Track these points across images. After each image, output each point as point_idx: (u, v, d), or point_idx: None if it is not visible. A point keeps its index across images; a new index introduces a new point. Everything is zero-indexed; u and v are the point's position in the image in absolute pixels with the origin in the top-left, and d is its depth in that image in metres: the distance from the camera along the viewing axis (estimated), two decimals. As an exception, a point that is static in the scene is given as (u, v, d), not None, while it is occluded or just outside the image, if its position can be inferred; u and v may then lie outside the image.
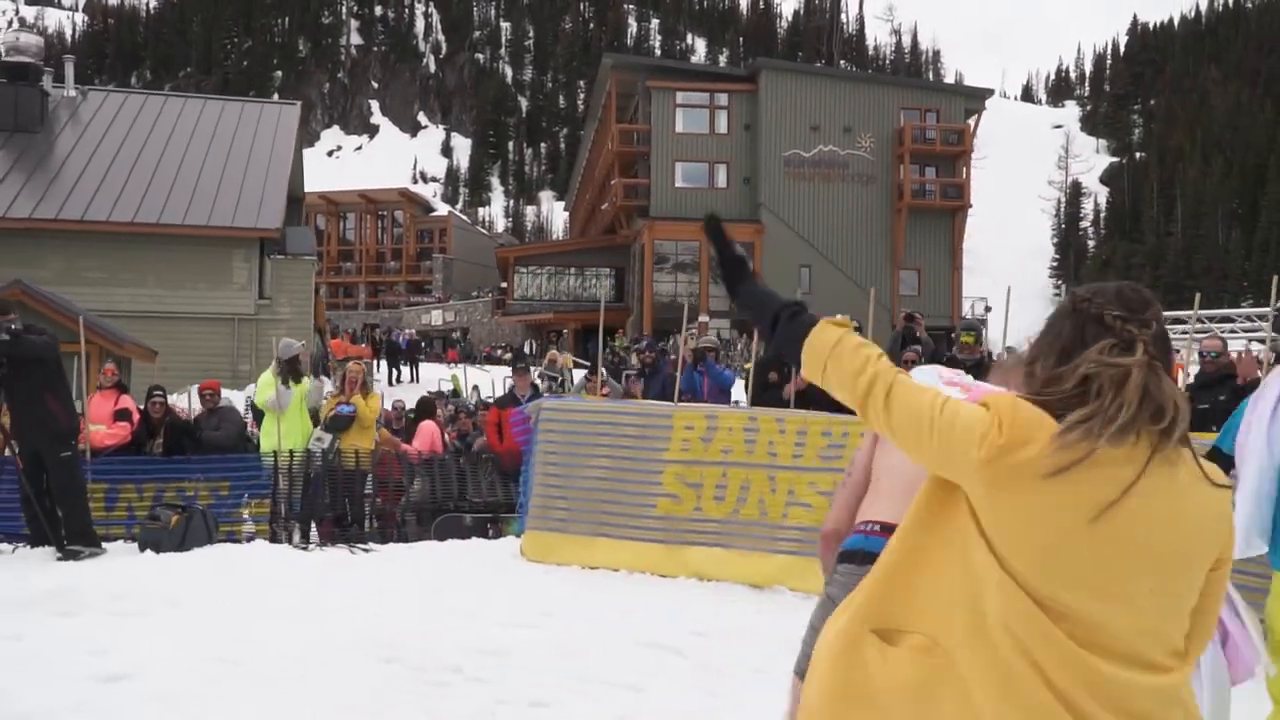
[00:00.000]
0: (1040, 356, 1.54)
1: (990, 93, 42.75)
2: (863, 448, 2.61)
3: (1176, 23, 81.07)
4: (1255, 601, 2.90)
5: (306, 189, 33.45)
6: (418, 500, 8.52)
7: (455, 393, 21.82)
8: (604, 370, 9.12)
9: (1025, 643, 1.41)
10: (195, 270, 22.37)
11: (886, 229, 38.04)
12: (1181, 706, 1.45)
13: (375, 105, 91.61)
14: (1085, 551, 1.41)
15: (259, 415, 9.20)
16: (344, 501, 8.31)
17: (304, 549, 7.42)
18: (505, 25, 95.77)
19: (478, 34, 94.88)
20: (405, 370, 29.50)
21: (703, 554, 6.23)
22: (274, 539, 7.67)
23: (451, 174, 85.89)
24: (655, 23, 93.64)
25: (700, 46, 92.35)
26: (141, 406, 8.63)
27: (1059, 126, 73.46)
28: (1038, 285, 53.94)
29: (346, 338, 37.24)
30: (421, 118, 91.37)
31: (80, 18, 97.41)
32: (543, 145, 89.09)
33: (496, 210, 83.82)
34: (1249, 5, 74.34)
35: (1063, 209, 62.56)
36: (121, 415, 8.34)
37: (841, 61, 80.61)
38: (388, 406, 12.11)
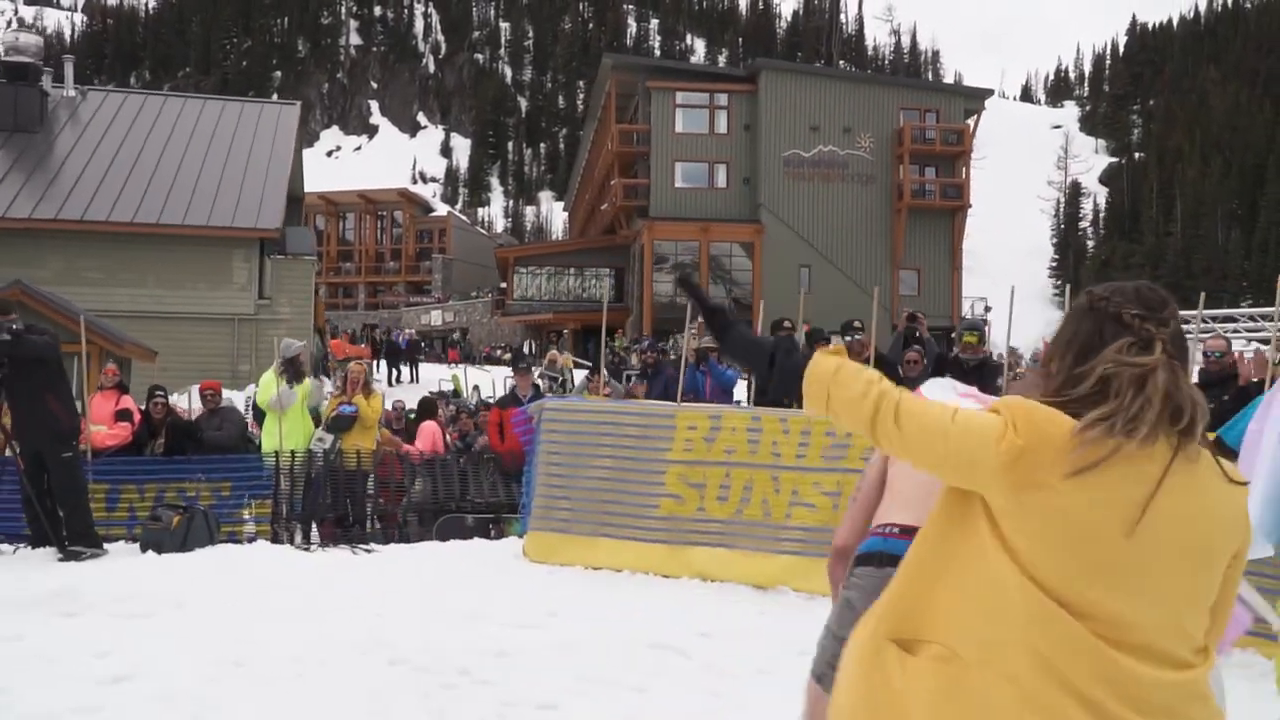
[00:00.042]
0: (1057, 356, 1.55)
1: (990, 93, 42.76)
2: (873, 462, 2.60)
3: (1175, 23, 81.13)
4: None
5: (305, 189, 33.42)
6: (419, 501, 8.50)
7: (456, 393, 21.80)
8: (605, 371, 9.09)
9: (1047, 651, 1.41)
10: (195, 270, 22.34)
11: (886, 229, 38.04)
12: (1203, 701, 1.46)
13: (374, 105, 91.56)
14: (1116, 548, 1.41)
15: (260, 415, 9.19)
16: (345, 502, 8.29)
17: (306, 550, 7.40)
18: (504, 25, 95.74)
19: (477, 34, 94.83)
20: (405, 370, 29.49)
21: (706, 554, 6.22)
22: (275, 540, 7.66)
23: (451, 174, 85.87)
24: (654, 23, 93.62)
25: (700, 47, 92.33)
26: (142, 407, 8.61)
27: (1058, 127, 73.46)
28: (1037, 285, 53.93)
29: (346, 338, 37.21)
30: (421, 118, 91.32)
31: (79, 18, 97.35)
32: (542, 145, 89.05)
33: (496, 210, 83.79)
34: (1248, 6, 74.38)
35: (1062, 209, 62.54)
36: (122, 416, 8.32)
37: (841, 62, 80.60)
38: (387, 407, 12.09)
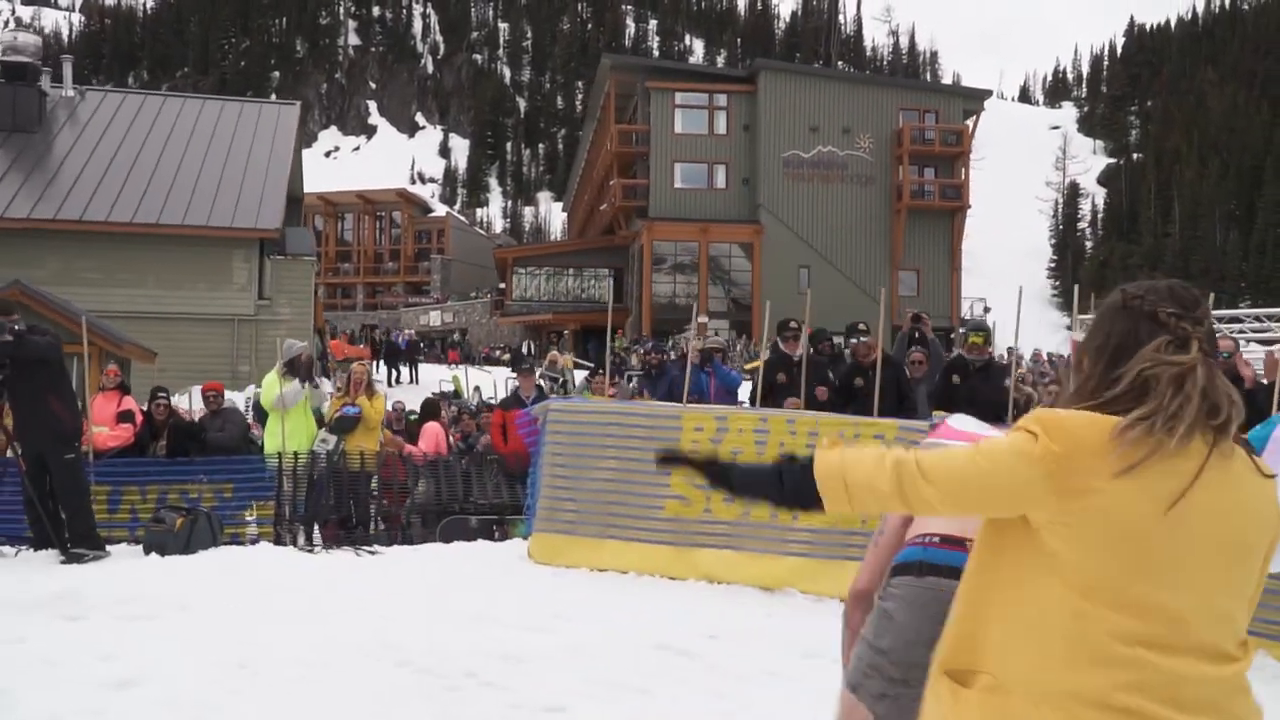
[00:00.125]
0: (1090, 355, 1.54)
1: (989, 93, 42.78)
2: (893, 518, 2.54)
3: (1173, 24, 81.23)
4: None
5: (304, 190, 33.37)
6: (423, 502, 8.48)
7: (456, 394, 21.78)
8: (609, 371, 9.06)
9: (1087, 669, 1.42)
10: (194, 271, 22.30)
11: (885, 230, 38.05)
12: (1245, 694, 1.48)
13: (373, 106, 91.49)
14: (1159, 544, 1.42)
15: (262, 416, 9.16)
16: (349, 503, 8.27)
17: (309, 551, 7.37)
18: (503, 26, 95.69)
19: (475, 35, 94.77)
20: (404, 371, 29.47)
21: (712, 556, 6.20)
22: (278, 541, 7.63)
23: (449, 174, 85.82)
24: (653, 23, 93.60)
25: (698, 47, 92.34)
26: (145, 408, 8.58)
27: (1056, 128, 73.53)
28: (1035, 286, 53.93)
29: (344, 338, 37.18)
30: (419, 118, 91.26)
31: (77, 18, 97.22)
32: (541, 146, 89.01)
33: (494, 211, 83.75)
34: (1245, 7, 74.51)
35: (1060, 210, 62.59)
36: (124, 417, 8.29)
37: (839, 63, 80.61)
38: (388, 408, 12.06)
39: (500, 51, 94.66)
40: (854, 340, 7.68)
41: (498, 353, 37.93)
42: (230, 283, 22.63)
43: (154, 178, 23.35)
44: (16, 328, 6.64)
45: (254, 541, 7.29)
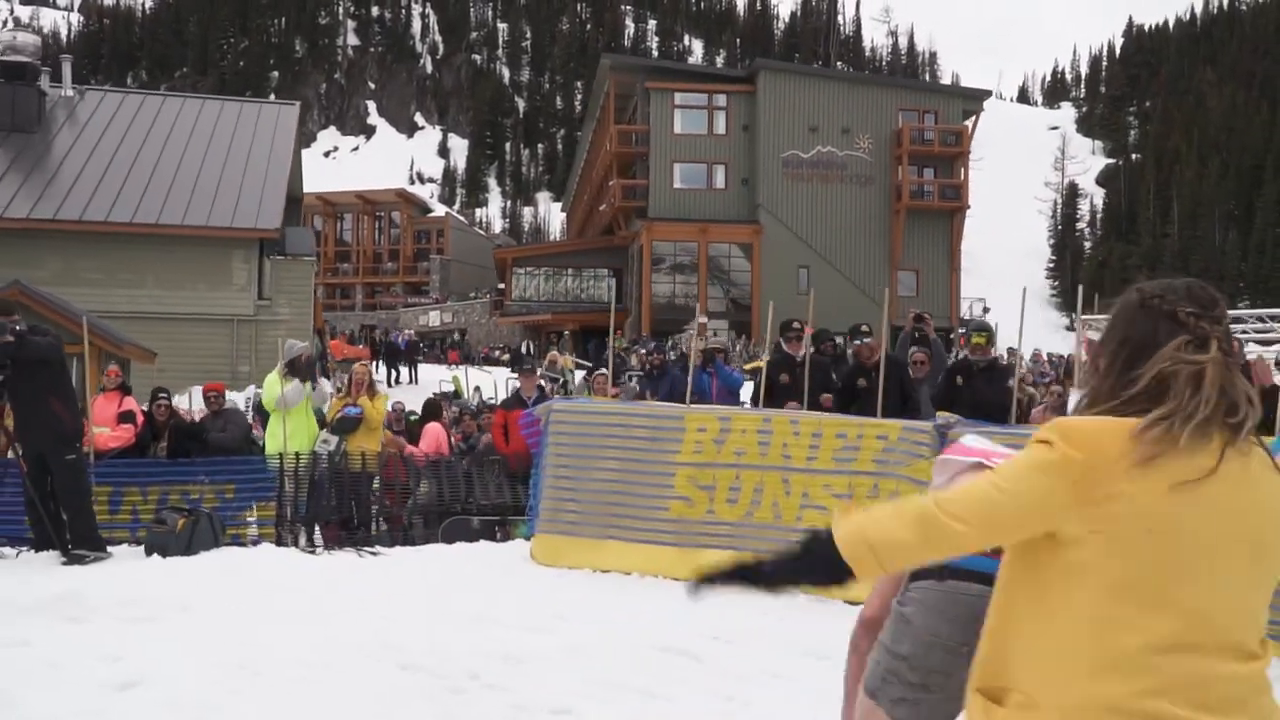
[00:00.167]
0: (1108, 354, 1.54)
1: (988, 94, 42.80)
2: None
3: (1171, 25, 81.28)
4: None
5: (303, 190, 33.34)
6: (424, 503, 8.47)
7: (456, 394, 21.76)
8: (611, 371, 9.04)
9: (1116, 680, 1.42)
10: (194, 271, 22.28)
11: (885, 230, 38.05)
12: (1268, 692, 1.49)
13: (372, 106, 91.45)
14: (1185, 538, 1.43)
15: (264, 417, 9.14)
16: (350, 504, 8.25)
17: (311, 552, 7.36)
18: (502, 26, 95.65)
19: (475, 35, 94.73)
20: (404, 371, 29.46)
21: (716, 557, 6.16)
22: (280, 542, 7.62)
23: (448, 175, 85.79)
24: (652, 24, 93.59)
25: (697, 47, 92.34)
26: (146, 408, 8.56)
27: (1055, 128, 73.55)
28: (1034, 287, 53.81)
29: (343, 339, 37.17)
30: (418, 118, 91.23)
31: (75, 18, 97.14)
32: (540, 146, 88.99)
33: (493, 211, 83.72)
34: (1243, 8, 74.55)
35: (1059, 210, 62.62)
36: (125, 417, 8.28)
37: (838, 63, 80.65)
38: (388, 408, 12.04)
39: (499, 51, 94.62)
40: (857, 341, 7.68)
41: (497, 353, 37.92)
42: (230, 283, 22.62)
43: (153, 178, 23.34)
44: (18, 328, 6.63)
45: (255, 542, 7.27)
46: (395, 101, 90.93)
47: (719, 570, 1.63)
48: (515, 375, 21.39)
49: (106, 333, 14.46)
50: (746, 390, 9.86)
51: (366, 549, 7.40)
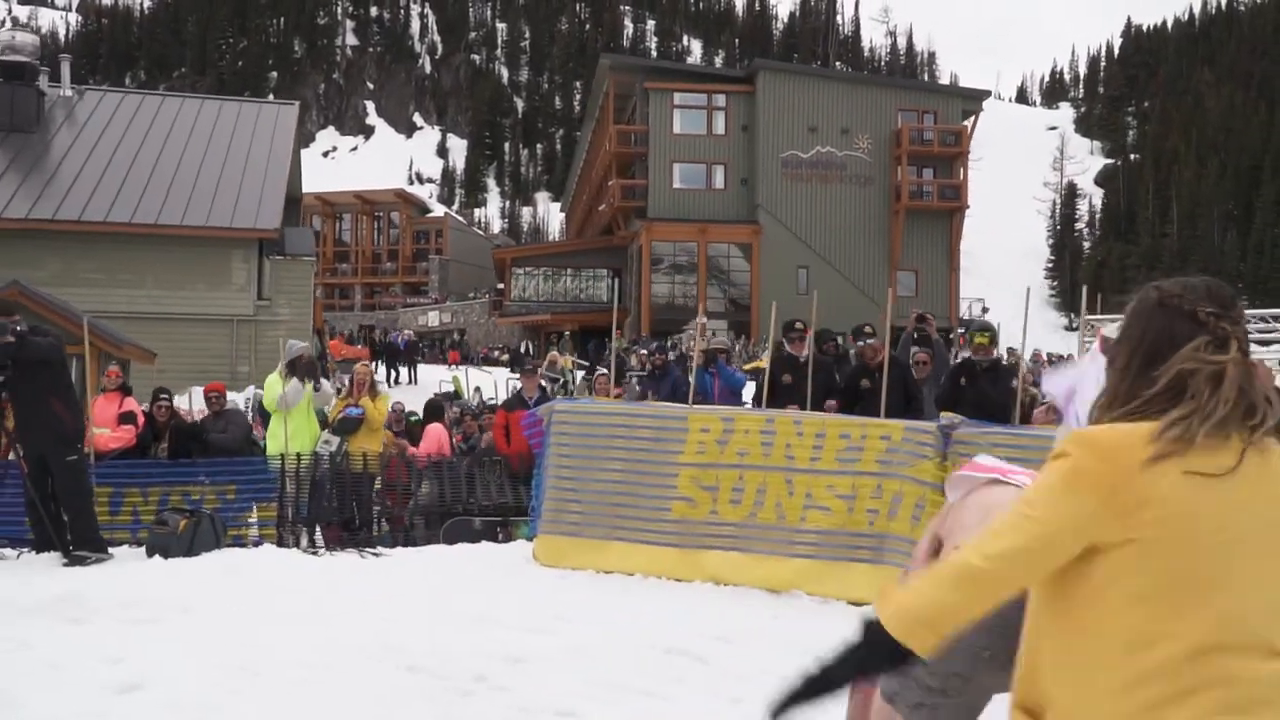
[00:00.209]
0: (1125, 354, 1.53)
1: (987, 94, 42.83)
2: (918, 557, 2.48)
3: (1170, 25, 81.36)
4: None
5: (302, 190, 33.32)
6: (426, 504, 8.45)
7: (456, 394, 21.75)
8: (612, 370, 9.03)
9: (1144, 690, 1.41)
10: (194, 271, 22.26)
11: (884, 230, 38.06)
12: None
13: (371, 106, 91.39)
14: (1213, 538, 1.42)
15: (265, 417, 9.12)
16: (352, 505, 8.23)
17: (313, 553, 7.34)
18: (501, 26, 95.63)
19: (473, 35, 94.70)
20: (404, 372, 29.44)
21: (719, 558, 6.16)
22: (281, 543, 7.60)
23: (447, 175, 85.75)
24: (651, 24, 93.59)
25: (696, 48, 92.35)
26: (146, 409, 8.54)
27: (1054, 128, 73.59)
28: (1033, 287, 53.73)
29: (342, 339, 37.15)
30: (417, 118, 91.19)
31: (74, 17, 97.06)
32: (539, 146, 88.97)
33: (492, 211, 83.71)
34: (1241, 8, 74.61)
35: (1058, 210, 62.66)
36: (126, 418, 8.26)
37: (838, 63, 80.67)
38: (389, 408, 12.02)
39: (498, 52, 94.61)
40: (861, 342, 7.67)
41: (496, 353, 37.90)
42: (229, 283, 22.60)
43: (152, 178, 23.32)
44: (18, 329, 6.61)
45: (257, 543, 7.26)
46: (394, 101, 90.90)
47: (792, 693, 1.56)
48: (515, 375, 21.39)
49: (106, 333, 14.45)
50: (749, 390, 9.85)
51: (368, 550, 7.38)
